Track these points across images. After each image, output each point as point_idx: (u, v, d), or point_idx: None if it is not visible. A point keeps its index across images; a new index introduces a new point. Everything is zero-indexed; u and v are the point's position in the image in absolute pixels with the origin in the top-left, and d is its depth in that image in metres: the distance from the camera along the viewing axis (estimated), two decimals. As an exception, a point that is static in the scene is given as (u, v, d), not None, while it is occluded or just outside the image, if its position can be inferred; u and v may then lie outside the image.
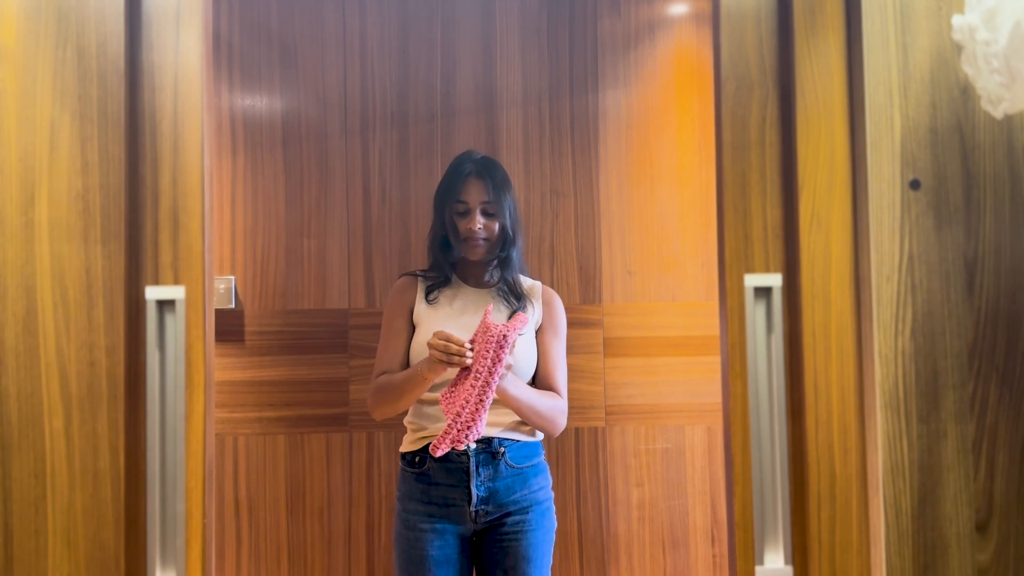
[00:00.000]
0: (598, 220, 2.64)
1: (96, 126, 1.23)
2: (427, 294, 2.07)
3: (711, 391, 2.62)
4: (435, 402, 1.96)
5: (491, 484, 1.95)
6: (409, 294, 2.08)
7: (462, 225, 2.01)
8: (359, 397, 2.58)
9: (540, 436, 2.06)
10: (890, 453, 1.17)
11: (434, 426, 1.97)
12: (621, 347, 2.62)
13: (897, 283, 1.19)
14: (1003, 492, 1.17)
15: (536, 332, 2.08)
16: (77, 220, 1.22)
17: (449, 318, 2.02)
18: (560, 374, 2.06)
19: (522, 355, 1.99)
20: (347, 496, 2.56)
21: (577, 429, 2.61)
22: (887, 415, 1.18)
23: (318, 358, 2.58)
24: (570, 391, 2.57)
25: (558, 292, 2.60)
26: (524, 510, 1.97)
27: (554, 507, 2.07)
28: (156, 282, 1.25)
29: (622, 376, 2.62)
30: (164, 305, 1.23)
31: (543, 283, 2.20)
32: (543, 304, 2.11)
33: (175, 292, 1.23)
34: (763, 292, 1.24)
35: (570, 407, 2.55)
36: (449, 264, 2.08)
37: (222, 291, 2.57)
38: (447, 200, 2.04)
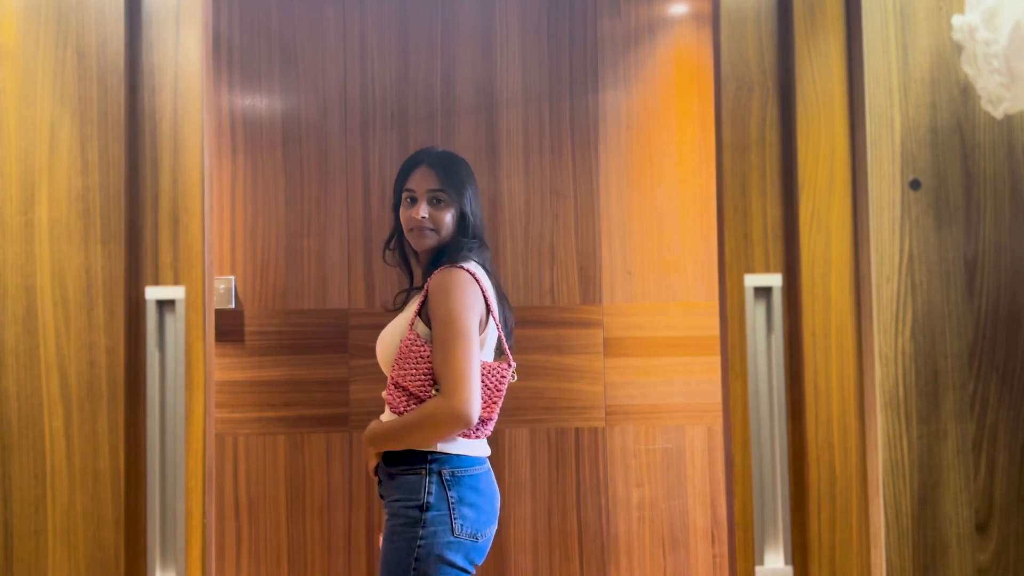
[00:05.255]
0: (598, 220, 2.63)
1: (96, 126, 1.23)
2: (395, 297, 1.98)
3: (711, 391, 2.62)
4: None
5: (380, 486, 1.86)
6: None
7: (408, 214, 1.87)
8: (359, 397, 2.57)
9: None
10: (890, 453, 1.17)
11: None
12: (621, 347, 2.62)
13: (897, 283, 1.19)
14: (1003, 492, 1.17)
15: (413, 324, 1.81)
16: (77, 220, 1.22)
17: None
18: (439, 365, 1.73)
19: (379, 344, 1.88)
20: (347, 496, 2.56)
21: (577, 429, 2.61)
22: (887, 415, 1.18)
23: (318, 358, 2.58)
24: (570, 391, 2.57)
25: (558, 292, 2.60)
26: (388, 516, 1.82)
27: (417, 529, 1.73)
28: (156, 282, 1.25)
29: (622, 376, 2.62)
30: (164, 305, 1.24)
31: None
32: (423, 293, 1.84)
33: (175, 292, 1.23)
34: (763, 292, 1.24)
35: (570, 407, 2.55)
36: (406, 264, 1.97)
37: (222, 291, 2.57)
38: (397, 191, 1.92)
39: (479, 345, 1.79)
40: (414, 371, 1.76)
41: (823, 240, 1.23)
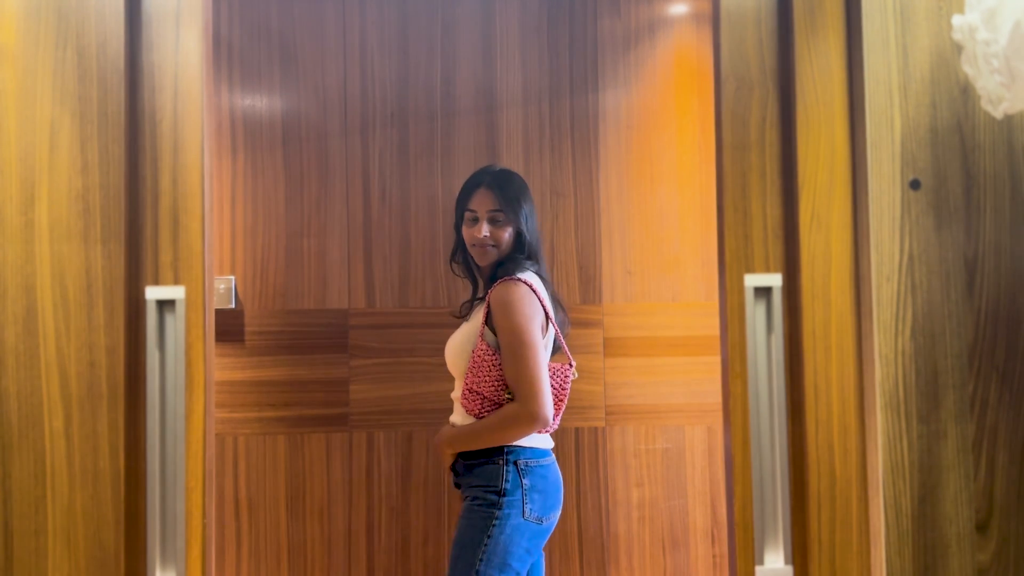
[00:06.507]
0: (598, 220, 2.64)
1: (96, 126, 1.23)
2: (462, 306, 2.16)
3: (711, 391, 2.62)
4: None
5: (457, 478, 2.07)
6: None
7: (470, 233, 2.07)
8: (359, 397, 2.58)
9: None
10: (890, 453, 1.17)
11: None
12: (621, 347, 2.62)
13: (897, 283, 1.19)
14: (1003, 492, 1.18)
15: (483, 336, 1.98)
16: (77, 220, 1.22)
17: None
18: (512, 375, 1.93)
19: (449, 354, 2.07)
20: (347, 496, 2.56)
21: (577, 429, 2.61)
22: (887, 415, 1.18)
23: (318, 358, 2.58)
24: (570, 391, 2.57)
25: (558, 292, 2.60)
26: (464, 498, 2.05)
27: (494, 510, 1.94)
28: (156, 282, 1.25)
29: (622, 376, 2.62)
30: (164, 305, 1.23)
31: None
32: (485, 305, 2.01)
33: (175, 292, 1.23)
34: (763, 292, 1.24)
35: (570, 407, 2.55)
36: (471, 274, 2.17)
37: (222, 291, 2.57)
38: (460, 210, 2.12)
39: (543, 350, 1.98)
40: (487, 378, 1.96)
41: (823, 240, 1.23)
